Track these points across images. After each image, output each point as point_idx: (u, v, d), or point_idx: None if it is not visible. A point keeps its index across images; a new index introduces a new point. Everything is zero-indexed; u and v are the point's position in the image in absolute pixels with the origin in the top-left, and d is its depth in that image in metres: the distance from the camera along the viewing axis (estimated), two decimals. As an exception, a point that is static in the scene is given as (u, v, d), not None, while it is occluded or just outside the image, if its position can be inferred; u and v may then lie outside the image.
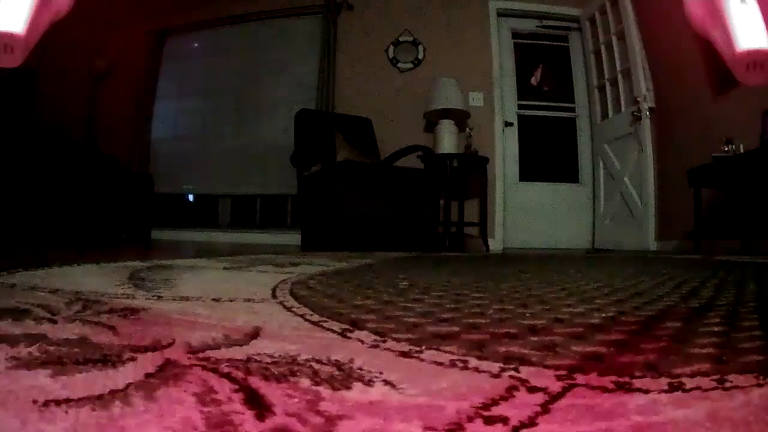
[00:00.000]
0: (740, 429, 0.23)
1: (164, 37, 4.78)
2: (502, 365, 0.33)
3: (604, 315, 0.55)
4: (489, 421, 0.24)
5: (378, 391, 0.28)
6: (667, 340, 0.42)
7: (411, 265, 1.46)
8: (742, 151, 2.61)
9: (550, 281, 0.96)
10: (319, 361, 0.34)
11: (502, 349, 0.38)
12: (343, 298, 0.67)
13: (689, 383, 0.29)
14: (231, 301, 0.62)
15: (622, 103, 3.80)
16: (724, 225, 2.95)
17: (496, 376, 0.31)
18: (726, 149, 2.67)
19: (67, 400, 0.25)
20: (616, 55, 3.81)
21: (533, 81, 4.55)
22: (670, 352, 0.38)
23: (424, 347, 0.38)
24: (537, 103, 4.39)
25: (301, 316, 0.53)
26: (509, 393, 0.28)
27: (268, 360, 0.34)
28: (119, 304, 0.56)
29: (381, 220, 2.96)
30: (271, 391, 0.27)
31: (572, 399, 0.27)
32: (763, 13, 0.34)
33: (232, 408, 0.24)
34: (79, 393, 0.26)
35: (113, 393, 0.26)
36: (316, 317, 0.52)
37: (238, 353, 0.36)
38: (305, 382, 0.29)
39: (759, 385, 0.29)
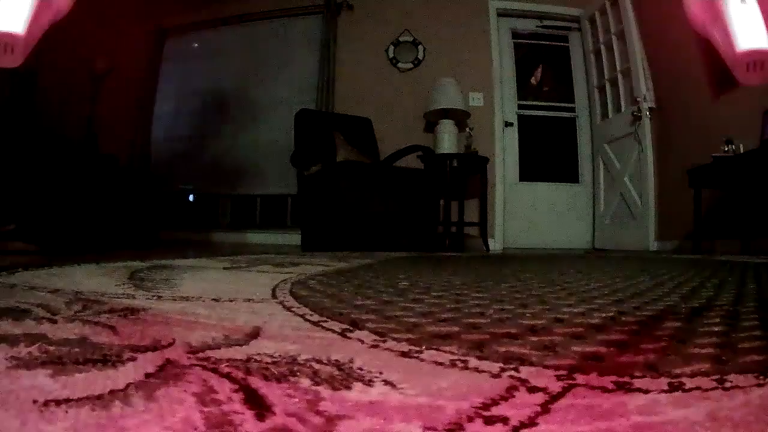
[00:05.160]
0: (740, 429, 0.23)
1: (164, 37, 4.78)
2: (502, 365, 0.33)
3: (604, 315, 0.55)
4: (489, 421, 0.24)
5: (378, 391, 0.28)
6: (667, 340, 0.42)
7: (411, 265, 1.46)
8: (742, 151, 2.61)
9: (550, 281, 0.96)
10: (319, 361, 0.34)
11: (502, 349, 0.38)
12: (343, 298, 0.67)
13: (689, 383, 0.29)
14: (231, 301, 0.62)
15: (622, 103, 3.80)
16: (724, 225, 2.95)
17: (496, 376, 0.31)
18: (726, 149, 2.67)
19: (67, 400, 0.25)
20: (616, 55, 3.81)
21: (533, 81, 4.55)
22: (670, 352, 0.38)
23: (424, 347, 0.38)
24: (537, 103, 4.39)
25: (301, 316, 0.53)
26: (509, 393, 0.28)
27: (268, 360, 0.34)
28: (119, 304, 0.56)
29: (381, 220, 2.96)
30: (271, 391, 0.27)
31: (572, 399, 0.27)
32: (763, 13, 0.34)
33: (232, 408, 0.24)
34: (79, 393, 0.26)
35: (113, 393, 0.26)
36: (316, 317, 0.52)
37: (238, 353, 0.36)
38: (305, 382, 0.29)
39: (759, 385, 0.29)
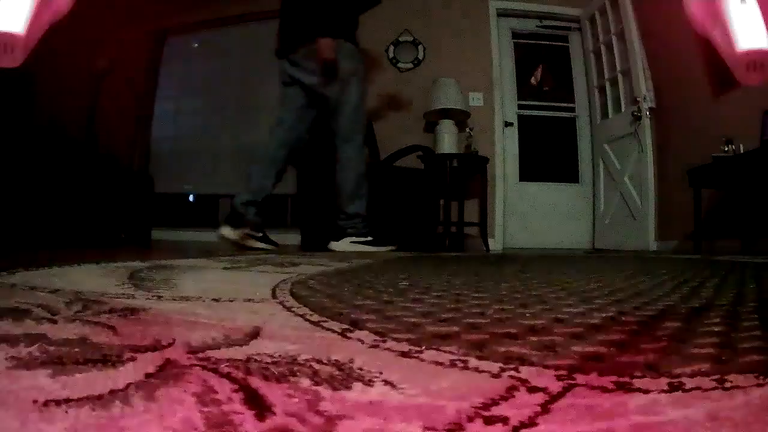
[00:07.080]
0: (740, 429, 0.23)
1: (164, 37, 4.78)
2: (502, 365, 0.33)
3: (604, 315, 0.55)
4: (489, 421, 0.24)
5: (378, 391, 0.28)
6: (667, 340, 0.42)
7: (411, 265, 1.46)
8: (742, 151, 2.61)
9: (550, 281, 0.96)
10: (319, 361, 0.34)
11: (502, 349, 0.38)
12: (343, 298, 0.67)
13: (689, 383, 0.29)
14: (231, 301, 0.62)
15: (622, 103, 3.80)
16: (724, 225, 2.95)
17: (496, 376, 0.31)
18: (726, 149, 2.67)
19: (67, 400, 0.25)
20: (616, 55, 3.81)
21: (533, 81, 4.55)
22: (670, 352, 0.38)
23: (424, 347, 0.38)
24: (537, 103, 4.39)
25: (301, 316, 0.53)
26: (509, 393, 0.28)
27: (268, 360, 0.34)
28: (119, 304, 0.56)
29: (381, 220, 2.96)
30: (271, 391, 0.27)
31: (572, 399, 0.27)
32: (763, 13, 0.34)
33: (232, 408, 0.24)
34: (79, 393, 0.26)
35: (113, 393, 0.26)
36: (316, 317, 0.52)
37: (238, 353, 0.36)
38: (305, 382, 0.29)
39: (759, 385, 0.29)
